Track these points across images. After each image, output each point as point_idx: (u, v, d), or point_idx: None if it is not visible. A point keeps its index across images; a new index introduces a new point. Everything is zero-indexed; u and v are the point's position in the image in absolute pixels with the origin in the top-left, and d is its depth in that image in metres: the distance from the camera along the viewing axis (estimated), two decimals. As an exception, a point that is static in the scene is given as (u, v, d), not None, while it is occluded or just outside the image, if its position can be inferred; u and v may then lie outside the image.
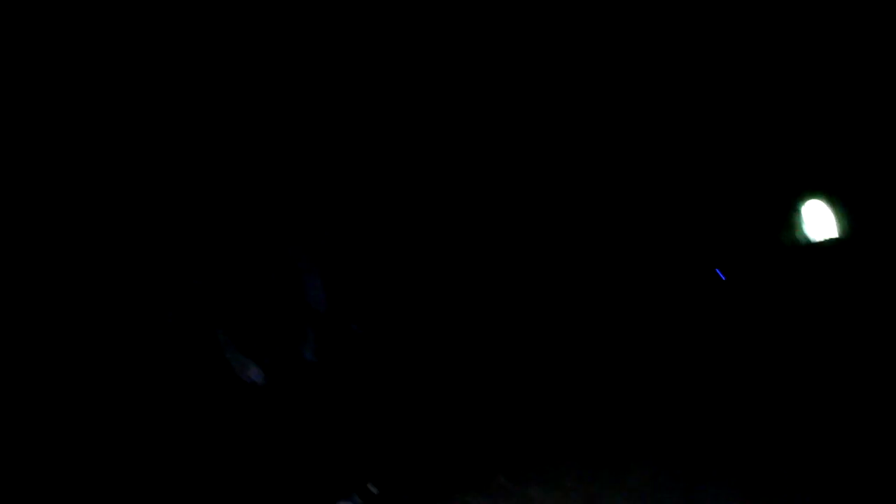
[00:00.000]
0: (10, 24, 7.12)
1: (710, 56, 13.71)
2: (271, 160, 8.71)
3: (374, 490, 8.02)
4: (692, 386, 9.57)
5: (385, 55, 9.88)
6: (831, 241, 19.21)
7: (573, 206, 15.64)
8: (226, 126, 8.52)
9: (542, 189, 13.39)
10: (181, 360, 8.14)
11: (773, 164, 18.15)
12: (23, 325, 7.38)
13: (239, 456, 8.04)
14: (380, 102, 10.02)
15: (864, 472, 5.39)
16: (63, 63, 7.65)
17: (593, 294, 14.78)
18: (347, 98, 9.69)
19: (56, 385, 7.52)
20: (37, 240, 7.53)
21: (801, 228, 19.24)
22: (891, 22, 10.76)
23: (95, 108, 7.86)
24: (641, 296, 15.72)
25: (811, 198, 19.74)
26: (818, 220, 19.71)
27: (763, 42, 12.79)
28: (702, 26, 12.39)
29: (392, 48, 9.93)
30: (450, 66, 10.73)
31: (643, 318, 15.02)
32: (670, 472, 6.16)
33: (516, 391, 10.73)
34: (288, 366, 8.00)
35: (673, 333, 14.03)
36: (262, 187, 8.48)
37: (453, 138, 11.33)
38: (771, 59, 13.50)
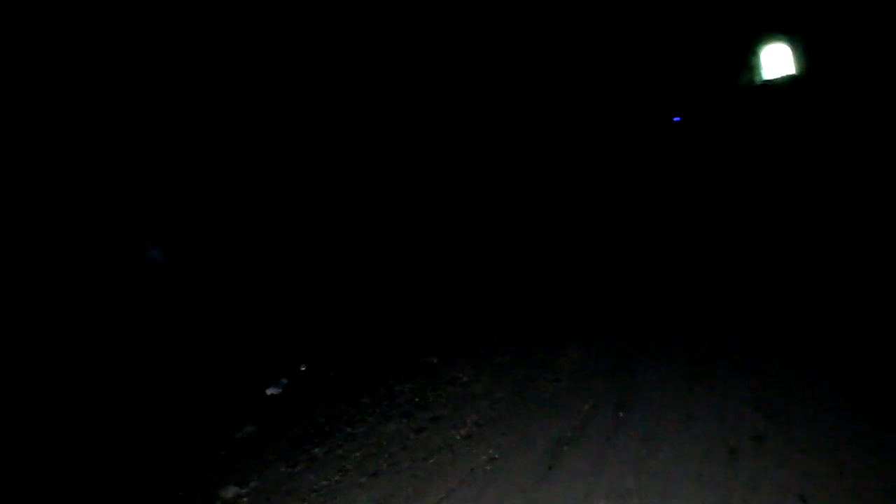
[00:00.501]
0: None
1: None
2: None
3: (302, 368, 7.41)
4: (634, 252, 8.86)
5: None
6: (785, 78, 18.43)
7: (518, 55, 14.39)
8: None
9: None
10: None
11: (733, 7, 16.98)
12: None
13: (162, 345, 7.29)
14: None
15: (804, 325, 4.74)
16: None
17: (538, 149, 13.86)
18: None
19: None
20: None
21: (758, 71, 18.28)
22: None
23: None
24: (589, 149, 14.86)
25: (770, 41, 18.70)
26: (776, 63, 18.72)
27: None
28: None
29: None
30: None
31: (585, 178, 14.24)
32: (606, 349, 5.45)
33: (449, 266, 9.99)
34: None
35: (617, 195, 13.33)
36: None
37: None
38: None
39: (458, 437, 4.44)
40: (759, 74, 19.93)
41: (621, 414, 4.14)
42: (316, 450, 4.87)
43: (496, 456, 4.01)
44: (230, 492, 4.55)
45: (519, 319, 6.95)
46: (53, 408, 6.17)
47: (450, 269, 9.74)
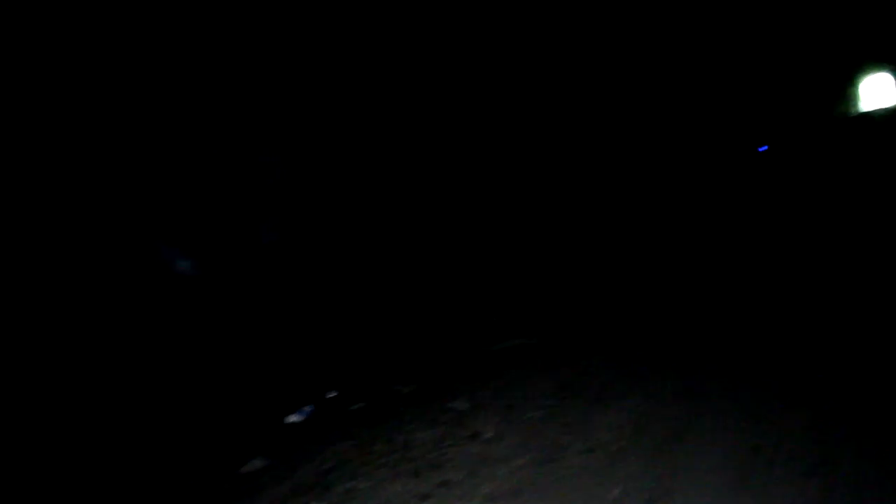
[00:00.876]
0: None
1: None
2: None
3: (331, 395, 6.93)
4: (705, 293, 7.96)
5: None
6: (886, 109, 16.89)
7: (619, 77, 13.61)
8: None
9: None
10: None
11: (835, 35, 15.68)
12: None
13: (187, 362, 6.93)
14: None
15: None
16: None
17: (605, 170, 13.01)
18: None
19: None
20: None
21: (857, 102, 16.82)
22: None
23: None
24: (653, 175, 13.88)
25: (873, 71, 17.22)
26: (877, 93, 17.21)
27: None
28: None
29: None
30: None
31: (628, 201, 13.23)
32: (652, 415, 4.68)
33: (501, 295, 9.29)
34: (240, 253, 6.78)
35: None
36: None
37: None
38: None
39: (464, 514, 3.80)
40: (858, 105, 18.38)
41: (653, 512, 3.40)
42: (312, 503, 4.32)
43: (499, 549, 3.34)
44: (212, 545, 4.05)
45: (562, 364, 6.23)
46: (49, 423, 5.84)
47: (502, 299, 9.07)
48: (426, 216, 9.54)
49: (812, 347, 5.48)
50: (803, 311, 6.52)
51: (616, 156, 13.59)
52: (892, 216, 9.16)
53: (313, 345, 7.64)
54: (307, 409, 6.54)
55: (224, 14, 7.40)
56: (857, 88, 18.43)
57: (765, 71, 16.71)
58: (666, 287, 8.65)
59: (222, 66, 7.25)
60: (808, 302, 6.76)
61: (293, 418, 6.42)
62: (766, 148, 16.16)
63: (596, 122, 13.31)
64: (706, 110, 15.89)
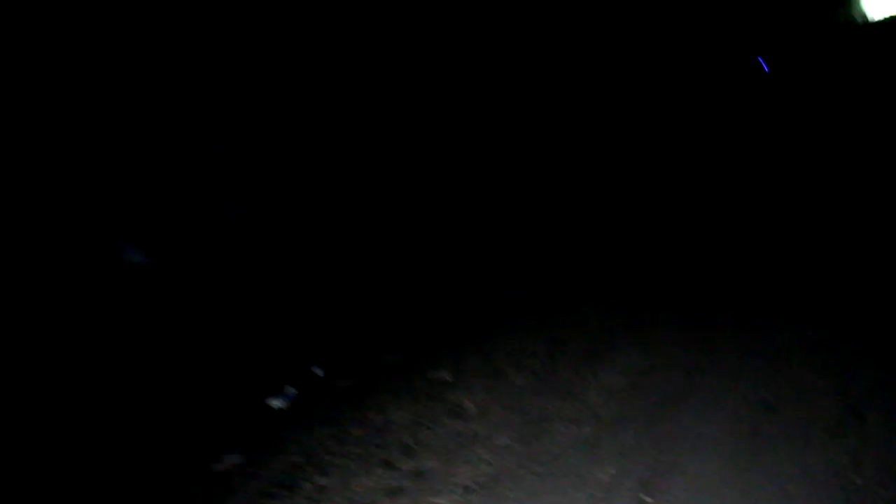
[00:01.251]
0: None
1: None
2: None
3: (319, 373, 6.37)
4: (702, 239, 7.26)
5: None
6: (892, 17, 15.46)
7: None
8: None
9: None
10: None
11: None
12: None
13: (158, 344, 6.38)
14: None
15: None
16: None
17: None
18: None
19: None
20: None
21: (860, 5, 15.46)
22: None
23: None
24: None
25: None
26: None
27: None
28: None
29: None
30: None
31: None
32: (651, 376, 4.05)
33: (495, 247, 8.58)
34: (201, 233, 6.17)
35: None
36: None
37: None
38: None
39: (436, 512, 3.22)
40: (861, 9, 16.98)
41: (647, 499, 2.77)
42: (275, 509, 3.78)
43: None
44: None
45: (554, 318, 5.58)
46: None
47: (490, 252, 8.40)
48: (411, 173, 8.84)
49: (825, 283, 4.79)
50: (811, 245, 5.81)
51: (611, 83, 12.65)
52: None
53: (299, 318, 7.07)
54: (292, 391, 5.98)
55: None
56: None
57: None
58: (666, 223, 7.94)
59: (179, 41, 6.55)
60: (818, 237, 6.04)
61: (277, 402, 5.86)
62: (761, 61, 14.86)
63: (590, 42, 12.31)
64: (698, 19, 14.56)
